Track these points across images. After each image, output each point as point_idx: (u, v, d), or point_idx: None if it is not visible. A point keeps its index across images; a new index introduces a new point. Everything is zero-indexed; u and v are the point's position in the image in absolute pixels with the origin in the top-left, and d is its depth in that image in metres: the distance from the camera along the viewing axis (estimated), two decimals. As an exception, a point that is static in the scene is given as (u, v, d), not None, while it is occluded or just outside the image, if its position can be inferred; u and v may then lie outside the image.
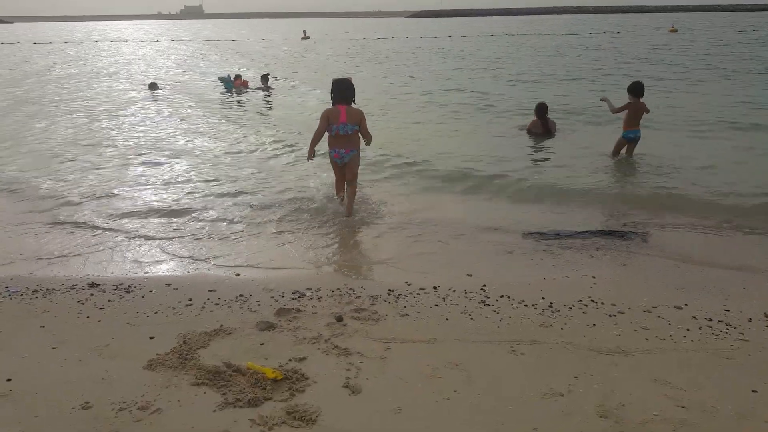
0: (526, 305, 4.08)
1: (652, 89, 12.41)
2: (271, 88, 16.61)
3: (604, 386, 3.07)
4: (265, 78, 16.68)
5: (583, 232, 5.51)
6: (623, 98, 8.06)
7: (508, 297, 4.22)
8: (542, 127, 9.81)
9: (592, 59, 25.95)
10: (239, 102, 15.31)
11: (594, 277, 4.56)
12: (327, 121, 5.35)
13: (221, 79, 17.01)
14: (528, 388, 3.05)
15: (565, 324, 3.80)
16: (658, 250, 5.13)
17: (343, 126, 5.37)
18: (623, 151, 8.29)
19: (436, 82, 18.88)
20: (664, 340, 3.61)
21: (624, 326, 3.78)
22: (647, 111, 8.05)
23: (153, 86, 17.30)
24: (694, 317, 3.92)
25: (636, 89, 7.93)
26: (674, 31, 49.10)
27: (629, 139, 8.13)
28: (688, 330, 3.75)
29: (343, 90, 5.26)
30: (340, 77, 5.52)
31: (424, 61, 28.14)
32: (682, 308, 4.06)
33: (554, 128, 9.97)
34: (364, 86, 13.96)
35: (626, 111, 7.95)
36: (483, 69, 23.09)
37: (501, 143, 9.85)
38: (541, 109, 9.82)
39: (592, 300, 4.15)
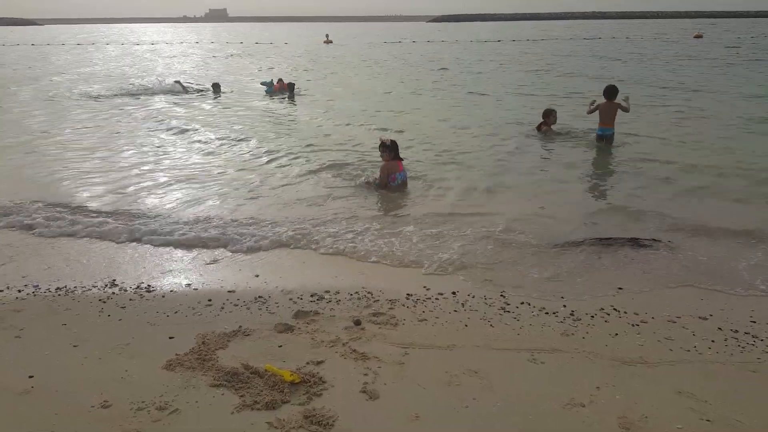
0: (546, 313, 4.02)
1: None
2: (298, 95, 17.03)
3: (627, 397, 3.00)
4: (291, 86, 17.09)
5: (606, 239, 5.41)
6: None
7: (529, 304, 4.16)
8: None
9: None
10: (272, 107, 15.47)
11: (619, 287, 4.47)
12: (388, 172, 7.22)
13: (264, 83, 17.94)
14: (549, 398, 3.00)
15: (587, 333, 3.73)
16: (682, 259, 5.00)
17: (400, 174, 7.34)
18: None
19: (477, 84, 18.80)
20: (689, 351, 3.53)
21: (647, 336, 3.70)
22: (625, 110, 9.07)
23: (216, 87, 17.98)
24: (720, 328, 3.83)
25: (607, 92, 9.15)
26: (699, 36, 48.38)
27: (599, 136, 9.35)
28: (713, 341, 3.65)
29: (397, 149, 7.34)
30: (393, 139, 7.39)
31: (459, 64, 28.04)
32: (707, 319, 3.96)
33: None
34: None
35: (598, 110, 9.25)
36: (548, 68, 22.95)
37: (523, 145, 9.77)
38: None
39: (614, 309, 4.07)
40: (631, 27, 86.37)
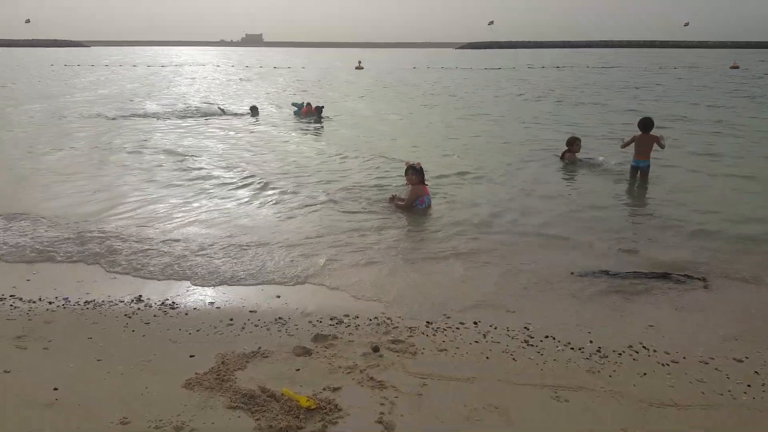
0: (572, 348, 3.90)
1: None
2: (325, 118, 17.19)
3: (655, 442, 2.87)
4: (318, 109, 17.35)
5: (636, 272, 5.26)
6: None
7: (553, 338, 4.05)
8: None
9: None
10: (303, 128, 15.71)
11: (649, 323, 4.32)
12: (416, 195, 7.38)
13: (294, 104, 18.51)
14: (571, 438, 2.89)
15: (614, 371, 3.60)
16: (716, 297, 4.81)
17: (427, 198, 7.50)
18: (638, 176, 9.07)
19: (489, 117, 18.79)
20: (722, 395, 3.36)
21: (678, 377, 3.54)
22: (661, 146, 8.86)
23: (254, 110, 18.32)
24: (756, 372, 3.64)
25: (642, 124, 8.95)
26: (736, 67, 47.54)
27: (633, 168, 9.08)
28: (749, 386, 3.48)
29: (423, 174, 7.47)
30: (419, 166, 7.45)
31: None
32: (742, 361, 3.78)
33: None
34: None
35: (633, 143, 9.04)
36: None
37: (547, 173, 9.66)
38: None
39: (643, 346, 3.93)
40: (664, 56, 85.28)
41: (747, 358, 3.82)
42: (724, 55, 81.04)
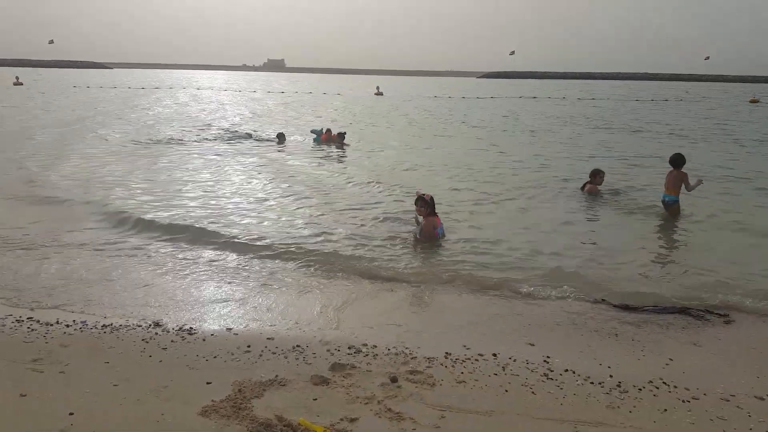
0: (592, 383, 3.84)
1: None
2: (347, 145, 17.27)
3: (679, 483, 2.80)
4: (341, 135, 17.46)
5: (656, 307, 5.20)
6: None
7: (573, 372, 3.99)
8: None
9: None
10: (324, 155, 15.84)
11: (669, 358, 4.25)
12: (433, 226, 7.33)
13: (314, 131, 18.44)
14: (593, 477, 2.83)
15: (634, 407, 3.53)
16: (737, 334, 4.74)
17: (440, 228, 7.46)
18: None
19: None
20: (745, 434, 3.28)
21: (698, 414, 3.47)
22: (688, 188, 8.79)
23: (281, 137, 18.47)
24: (779, 411, 3.55)
25: (672, 161, 8.96)
26: (756, 101, 47.48)
27: (664, 201, 8.99)
28: (772, 425, 3.39)
29: (434, 205, 7.42)
30: (429, 198, 7.37)
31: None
32: (764, 399, 3.70)
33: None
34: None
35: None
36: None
37: (568, 205, 9.63)
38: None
39: (664, 383, 3.86)
40: (682, 88, 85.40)
41: (769, 396, 3.73)
42: (744, 88, 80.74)
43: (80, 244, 7.09)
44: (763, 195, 10.78)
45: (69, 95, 42.87)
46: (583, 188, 10.34)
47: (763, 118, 30.73)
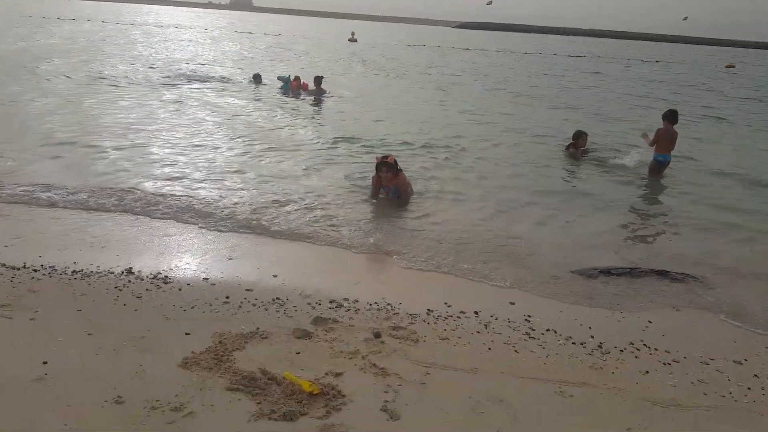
0: (574, 343, 3.88)
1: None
2: (325, 91, 16.18)
3: (660, 443, 2.86)
4: (318, 80, 16.22)
5: (635, 269, 5.26)
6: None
7: (555, 331, 4.02)
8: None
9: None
10: (295, 101, 15.14)
11: (648, 320, 4.32)
12: (406, 184, 7.07)
13: (281, 78, 17.08)
14: (578, 436, 2.87)
15: (617, 368, 3.59)
16: (715, 297, 4.84)
17: (410, 186, 7.24)
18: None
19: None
20: (724, 396, 3.38)
21: (679, 377, 3.55)
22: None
23: (257, 78, 17.66)
24: (756, 375, 3.67)
25: (668, 116, 8.55)
26: (731, 66, 48.01)
27: (658, 162, 8.73)
28: (749, 389, 3.50)
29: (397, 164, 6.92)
30: (393, 159, 6.86)
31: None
32: (741, 363, 3.81)
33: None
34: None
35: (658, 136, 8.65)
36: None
37: (551, 166, 9.57)
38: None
39: (644, 344, 3.93)
40: (661, 49, 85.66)
41: (746, 360, 3.85)
42: (718, 52, 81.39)
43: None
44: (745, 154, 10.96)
45: (22, 25, 40.12)
46: (567, 149, 10.28)
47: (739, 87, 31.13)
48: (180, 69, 20.28)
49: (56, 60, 20.30)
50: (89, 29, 42.08)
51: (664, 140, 8.59)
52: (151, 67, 20.22)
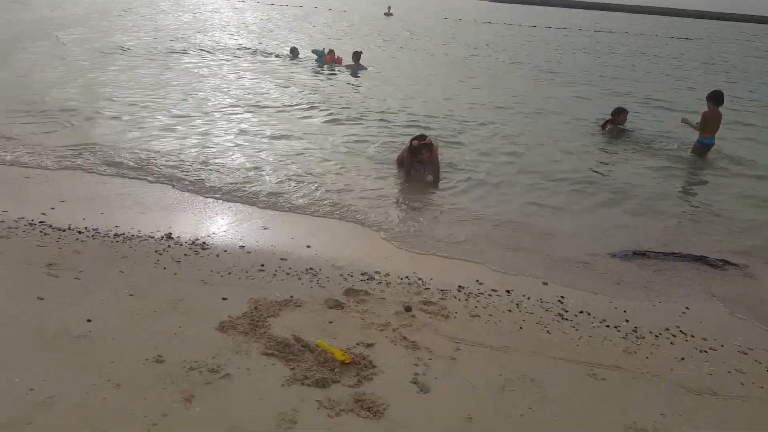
0: (608, 326, 3.83)
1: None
2: (363, 67, 15.94)
3: (695, 430, 2.82)
4: (357, 55, 15.98)
5: (673, 254, 5.13)
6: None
7: (588, 314, 3.98)
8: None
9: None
10: (330, 75, 15.09)
11: (686, 307, 4.23)
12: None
13: (315, 51, 16.91)
14: (609, 418, 2.86)
15: (651, 353, 3.54)
16: (755, 285, 4.70)
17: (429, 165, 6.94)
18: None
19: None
20: (762, 388, 3.30)
21: (716, 365, 3.48)
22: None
23: (294, 52, 17.52)
24: (796, 367, 3.57)
25: (714, 97, 8.35)
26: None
27: (704, 145, 8.56)
28: (788, 381, 3.41)
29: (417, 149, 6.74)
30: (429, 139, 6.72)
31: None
32: (781, 355, 3.71)
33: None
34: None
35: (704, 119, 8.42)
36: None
37: (588, 145, 9.31)
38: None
39: (681, 331, 3.85)
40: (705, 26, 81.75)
41: (786, 351, 3.74)
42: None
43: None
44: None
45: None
46: (603, 127, 9.96)
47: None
48: (211, 41, 20.28)
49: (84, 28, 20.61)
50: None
51: (711, 123, 8.40)
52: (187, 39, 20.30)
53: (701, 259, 5.08)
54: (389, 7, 56.86)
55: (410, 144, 6.73)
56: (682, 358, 3.51)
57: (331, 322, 3.60)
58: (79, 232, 4.72)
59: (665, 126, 10.59)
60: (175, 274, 4.10)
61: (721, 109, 8.46)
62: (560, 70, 19.93)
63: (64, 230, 4.74)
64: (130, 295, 3.74)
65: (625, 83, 17.45)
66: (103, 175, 6.28)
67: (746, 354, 3.64)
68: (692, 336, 3.79)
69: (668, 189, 7.31)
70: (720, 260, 5.06)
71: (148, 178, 6.26)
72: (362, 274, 4.35)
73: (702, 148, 8.55)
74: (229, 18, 32.86)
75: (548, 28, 48.19)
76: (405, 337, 3.48)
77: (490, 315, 3.88)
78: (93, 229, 4.81)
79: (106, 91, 10.50)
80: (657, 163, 8.40)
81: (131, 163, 6.62)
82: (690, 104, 12.75)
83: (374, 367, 3.14)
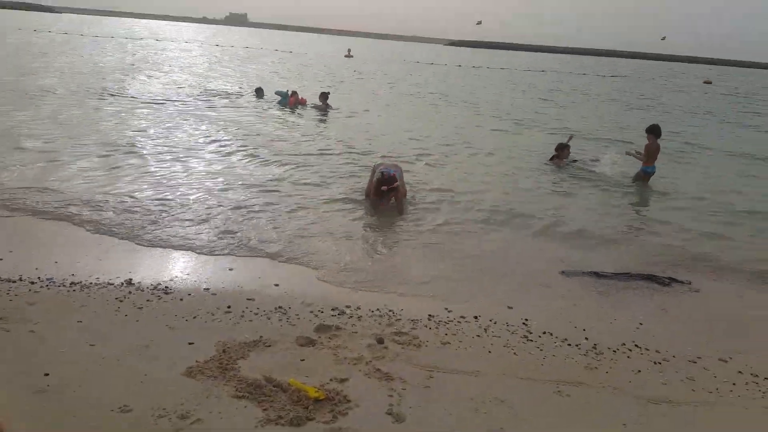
0: (569, 344, 3.99)
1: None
2: (330, 107, 16.11)
3: (657, 438, 2.97)
4: (324, 96, 16.20)
5: (623, 274, 5.41)
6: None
7: (551, 334, 4.14)
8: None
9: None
10: (298, 115, 15.04)
11: (639, 323, 4.46)
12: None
13: (278, 93, 17.00)
14: (578, 433, 2.97)
15: (611, 368, 3.71)
16: (700, 299, 5.02)
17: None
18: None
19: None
20: (711, 393, 3.52)
21: (670, 375, 3.69)
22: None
23: (259, 92, 17.72)
24: (740, 372, 3.82)
25: (652, 130, 9.11)
26: (709, 82, 49.28)
27: (646, 173, 9.27)
28: (734, 384, 3.65)
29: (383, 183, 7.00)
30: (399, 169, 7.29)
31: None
32: (727, 361, 3.96)
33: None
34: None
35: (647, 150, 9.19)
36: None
37: (537, 176, 9.74)
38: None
39: (636, 345, 4.06)
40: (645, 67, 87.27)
41: (731, 358, 4.00)
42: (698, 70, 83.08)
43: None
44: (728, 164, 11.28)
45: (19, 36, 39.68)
46: (551, 160, 10.51)
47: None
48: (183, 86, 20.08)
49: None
50: (79, 42, 41.73)
51: (652, 153, 9.18)
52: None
53: (651, 278, 5.38)
54: (349, 50, 58.87)
55: (377, 182, 6.92)
56: (639, 371, 3.69)
57: (303, 360, 3.60)
58: (32, 283, 4.55)
59: (608, 157, 11.25)
60: (138, 320, 4.00)
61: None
62: (503, 109, 20.79)
63: (14, 281, 4.56)
64: (91, 345, 3.62)
65: (573, 120, 18.41)
66: (55, 220, 6.08)
67: (695, 363, 3.87)
68: (647, 349, 4.00)
69: (615, 213, 7.74)
70: (668, 278, 5.38)
71: (103, 223, 6.10)
72: (333, 309, 4.37)
73: (645, 175, 9.25)
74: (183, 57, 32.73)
75: (501, 69, 50.22)
76: (378, 369, 3.51)
77: (460, 341, 3.98)
78: (47, 279, 4.65)
79: (44, 132, 10.19)
80: (603, 191, 8.91)
81: (85, 210, 6.44)
82: (630, 137, 13.63)
83: (349, 401, 3.15)
